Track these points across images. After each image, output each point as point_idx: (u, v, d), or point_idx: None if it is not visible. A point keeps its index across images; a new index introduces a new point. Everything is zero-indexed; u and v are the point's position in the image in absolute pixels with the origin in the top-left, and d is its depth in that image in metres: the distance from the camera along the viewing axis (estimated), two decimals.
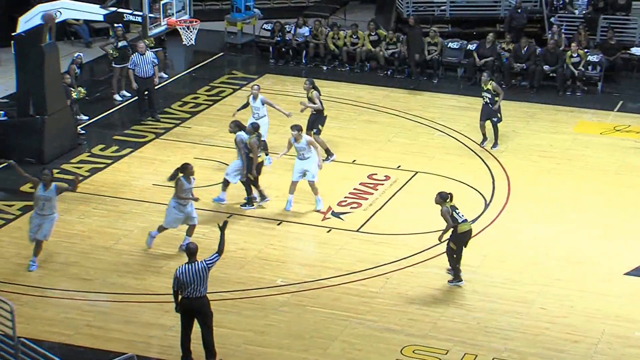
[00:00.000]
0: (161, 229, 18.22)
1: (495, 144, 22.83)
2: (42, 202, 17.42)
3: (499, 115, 22.59)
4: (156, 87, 24.74)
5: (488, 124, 22.68)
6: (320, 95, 21.84)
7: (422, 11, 29.98)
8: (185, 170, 17.88)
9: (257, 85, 22.05)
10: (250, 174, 19.66)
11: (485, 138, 22.77)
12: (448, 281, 17.40)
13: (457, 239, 17.18)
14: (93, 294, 17.09)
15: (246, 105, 21.95)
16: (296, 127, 19.70)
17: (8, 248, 18.38)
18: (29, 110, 21.89)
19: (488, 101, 22.43)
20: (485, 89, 22.45)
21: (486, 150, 22.72)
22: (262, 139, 20.06)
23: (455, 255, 17.26)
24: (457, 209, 17.21)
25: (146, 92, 24.20)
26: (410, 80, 26.78)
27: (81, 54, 24.79)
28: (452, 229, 17.12)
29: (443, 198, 17.19)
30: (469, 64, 27.03)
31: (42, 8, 21.22)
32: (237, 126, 19.83)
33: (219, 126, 23.62)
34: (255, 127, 19.70)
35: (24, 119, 21.94)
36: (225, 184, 19.99)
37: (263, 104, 21.65)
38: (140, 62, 23.87)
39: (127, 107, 25.12)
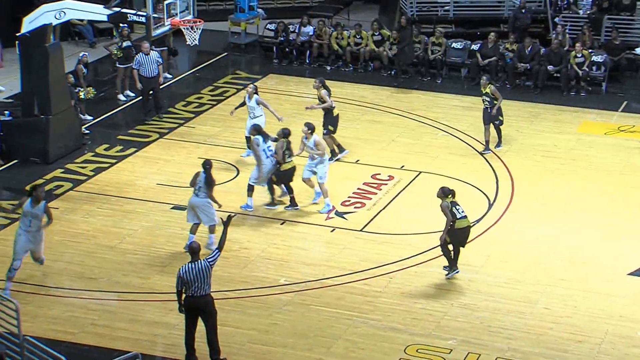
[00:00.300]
0: (212, 229, 18.19)
1: (498, 144, 22.81)
2: (29, 218, 16.85)
3: (500, 118, 22.55)
4: (161, 87, 24.75)
5: (492, 126, 22.67)
6: (330, 94, 21.86)
7: (425, 11, 29.95)
8: (212, 167, 18.06)
9: (254, 85, 22.05)
10: (275, 176, 19.74)
11: (487, 147, 22.65)
12: (445, 276, 17.43)
13: (453, 234, 17.22)
14: (98, 293, 17.14)
15: (243, 104, 21.96)
16: (308, 125, 19.73)
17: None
18: (34, 110, 21.91)
19: (488, 105, 22.36)
20: (484, 92, 22.37)
21: (490, 150, 22.70)
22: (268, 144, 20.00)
23: (450, 249, 17.29)
24: (458, 205, 17.25)
25: (151, 92, 24.24)
26: (414, 80, 26.79)
27: (87, 54, 24.81)
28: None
29: (445, 193, 17.26)
30: (472, 64, 27.02)
31: (46, 8, 21.24)
32: (254, 129, 19.89)
33: (223, 126, 23.67)
34: (286, 133, 19.64)
35: (29, 119, 21.96)
36: (251, 189, 19.95)
37: (258, 104, 21.65)
38: (144, 62, 23.88)
39: (131, 107, 25.13)
